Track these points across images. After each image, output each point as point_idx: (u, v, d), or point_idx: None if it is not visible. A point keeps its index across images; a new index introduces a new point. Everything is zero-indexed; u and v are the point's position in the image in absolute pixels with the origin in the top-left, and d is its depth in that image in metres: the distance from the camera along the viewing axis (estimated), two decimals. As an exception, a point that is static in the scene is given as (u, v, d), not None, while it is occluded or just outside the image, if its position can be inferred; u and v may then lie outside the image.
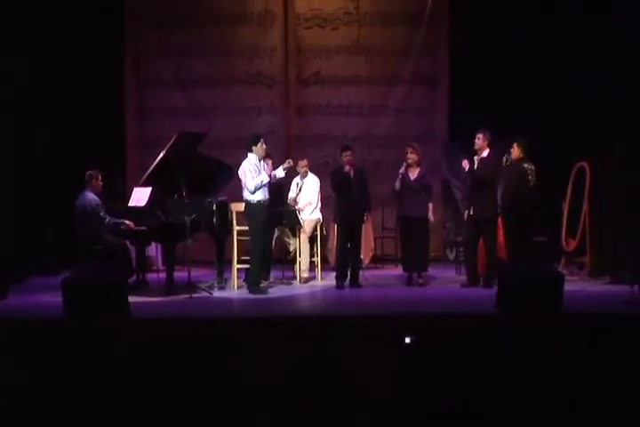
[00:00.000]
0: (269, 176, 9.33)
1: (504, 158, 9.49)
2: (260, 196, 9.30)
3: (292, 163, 9.63)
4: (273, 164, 9.82)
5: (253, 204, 9.30)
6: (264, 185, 9.31)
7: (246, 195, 9.33)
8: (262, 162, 9.39)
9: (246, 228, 9.88)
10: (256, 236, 9.35)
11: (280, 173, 9.54)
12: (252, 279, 9.43)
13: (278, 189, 10.08)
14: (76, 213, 9.49)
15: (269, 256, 10.05)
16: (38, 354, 6.53)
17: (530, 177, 9.30)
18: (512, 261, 9.49)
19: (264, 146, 9.40)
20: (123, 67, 12.31)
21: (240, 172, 9.38)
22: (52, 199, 10.96)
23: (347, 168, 9.70)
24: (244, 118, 12.45)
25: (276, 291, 9.58)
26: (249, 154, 9.39)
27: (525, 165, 9.30)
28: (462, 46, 11.92)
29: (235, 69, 12.48)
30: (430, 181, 10.11)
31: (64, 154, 11.28)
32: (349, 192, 9.69)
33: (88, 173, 9.61)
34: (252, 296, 9.26)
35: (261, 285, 9.60)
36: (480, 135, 9.59)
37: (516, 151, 9.44)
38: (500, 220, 9.80)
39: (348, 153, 9.78)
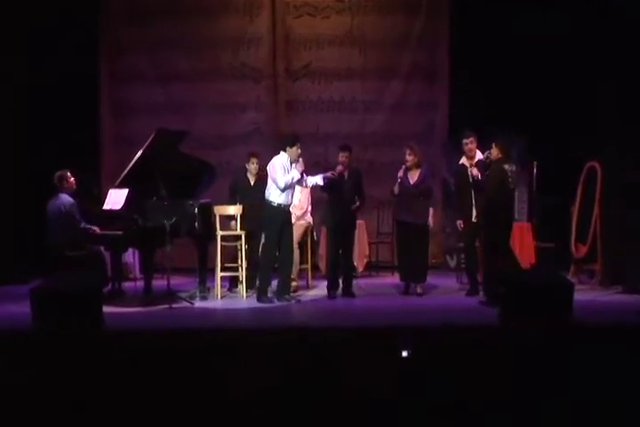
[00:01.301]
0: (302, 177, 9.37)
1: (484, 155, 9.42)
2: (283, 199, 9.35)
3: (335, 174, 9.58)
4: (260, 164, 9.86)
5: (273, 206, 9.34)
6: (294, 183, 9.38)
7: (268, 195, 9.37)
8: (293, 165, 9.38)
9: (230, 232, 9.91)
10: (270, 240, 9.39)
11: (318, 180, 9.57)
12: (261, 286, 9.47)
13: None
14: (49, 217, 9.47)
15: (256, 263, 10.04)
16: (4, 368, 6.49)
17: (510, 179, 9.19)
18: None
19: (299, 150, 9.42)
20: (97, 60, 12.27)
21: (269, 167, 9.43)
22: (22, 203, 10.93)
23: (339, 168, 9.68)
24: (229, 115, 12.45)
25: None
26: (281, 152, 9.43)
27: (506, 166, 9.17)
28: (464, 37, 11.92)
29: (218, 62, 12.47)
30: (431, 183, 10.09)
31: (33, 154, 11.24)
32: (341, 194, 9.69)
33: (57, 174, 9.61)
34: (235, 307, 9.30)
35: (247, 293, 9.67)
36: (471, 138, 9.56)
37: (494, 152, 9.25)
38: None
39: (345, 154, 9.76)
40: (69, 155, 10.96)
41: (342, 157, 9.78)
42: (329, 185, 9.70)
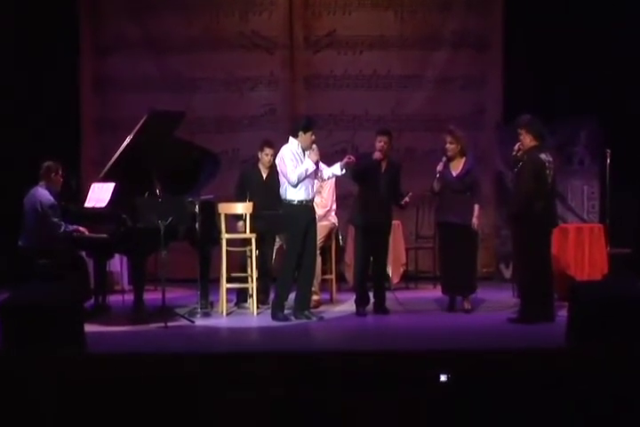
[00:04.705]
0: (317, 168, 9.37)
1: (515, 147, 9.32)
2: (303, 194, 9.34)
3: (352, 158, 9.55)
4: (275, 154, 9.87)
5: (293, 204, 9.35)
6: (309, 175, 9.34)
7: (284, 191, 9.38)
8: (306, 153, 9.37)
9: (238, 235, 9.95)
10: (292, 245, 9.42)
11: (336, 170, 9.51)
12: (278, 300, 9.47)
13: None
14: (25, 213, 9.49)
15: (269, 273, 10.07)
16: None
17: (548, 171, 9.12)
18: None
19: (313, 137, 9.38)
20: (77, 28, 12.31)
21: (278, 159, 9.44)
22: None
23: (377, 155, 9.61)
24: (235, 93, 12.50)
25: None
26: (291, 139, 9.42)
27: (542, 156, 9.10)
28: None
29: (222, 29, 12.52)
30: (478, 175, 10.03)
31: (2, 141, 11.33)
32: (376, 187, 9.65)
33: (45, 164, 9.64)
34: (244, 325, 9.33)
35: (258, 309, 9.74)
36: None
37: (526, 139, 9.18)
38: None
39: (384, 139, 9.69)
40: (44, 140, 11.00)
41: (379, 141, 9.71)
42: (361, 174, 9.62)
